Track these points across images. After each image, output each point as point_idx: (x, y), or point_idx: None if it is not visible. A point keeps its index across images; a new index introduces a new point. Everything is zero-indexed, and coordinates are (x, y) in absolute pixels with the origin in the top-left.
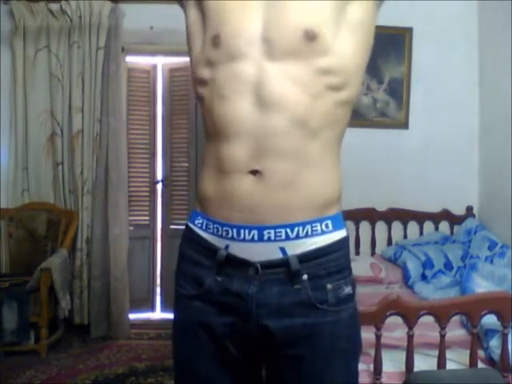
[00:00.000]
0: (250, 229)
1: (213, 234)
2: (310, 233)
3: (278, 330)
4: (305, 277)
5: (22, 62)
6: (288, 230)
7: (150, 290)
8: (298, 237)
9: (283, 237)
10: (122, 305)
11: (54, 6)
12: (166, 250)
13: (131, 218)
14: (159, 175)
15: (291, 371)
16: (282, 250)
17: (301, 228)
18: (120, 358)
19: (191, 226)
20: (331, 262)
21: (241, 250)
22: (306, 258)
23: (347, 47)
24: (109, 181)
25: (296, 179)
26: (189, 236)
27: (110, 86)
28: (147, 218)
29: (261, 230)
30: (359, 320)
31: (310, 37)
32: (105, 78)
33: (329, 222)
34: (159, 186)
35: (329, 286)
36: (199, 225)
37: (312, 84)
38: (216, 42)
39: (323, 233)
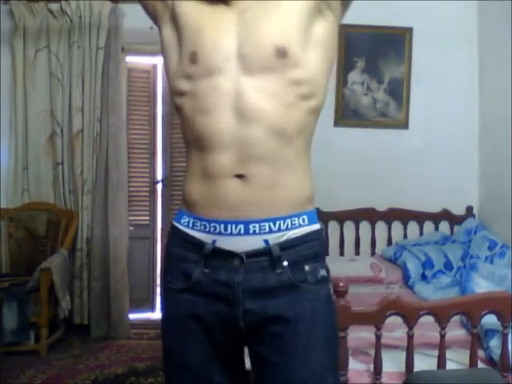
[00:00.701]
0: (237, 224)
1: (200, 230)
2: (289, 226)
3: (264, 309)
4: (285, 263)
5: (22, 62)
6: (271, 224)
7: (149, 290)
8: (279, 230)
9: (267, 230)
10: (122, 305)
11: (54, 6)
12: None
13: (131, 218)
14: (159, 175)
15: (277, 349)
16: (266, 241)
17: (282, 222)
18: (120, 358)
19: (177, 225)
20: (308, 250)
21: (227, 244)
22: (286, 245)
23: (314, 61)
24: (109, 181)
25: (276, 181)
26: (175, 234)
27: (110, 85)
28: (147, 218)
29: (247, 224)
30: (333, 304)
31: (281, 53)
32: (105, 77)
33: (305, 216)
34: (159, 186)
35: (307, 268)
36: (185, 223)
37: (285, 94)
38: (194, 58)
39: (300, 226)
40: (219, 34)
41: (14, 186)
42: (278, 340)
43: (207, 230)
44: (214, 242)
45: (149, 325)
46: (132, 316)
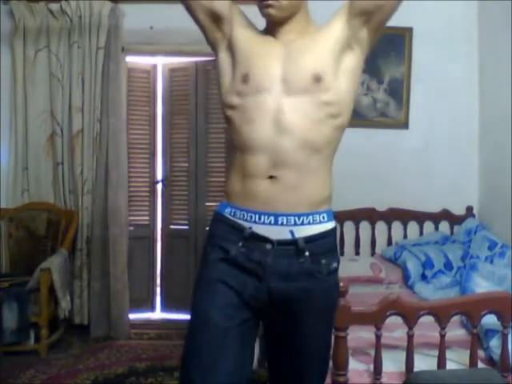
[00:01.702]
0: (269, 215)
1: (240, 218)
2: (311, 221)
3: (285, 290)
4: (307, 253)
5: (22, 62)
6: (296, 218)
7: (149, 290)
8: (302, 223)
9: (292, 223)
10: (122, 305)
11: (54, 6)
12: (165, 250)
13: (131, 218)
14: (159, 175)
15: (291, 322)
16: (291, 232)
17: (305, 217)
18: (120, 357)
19: (222, 213)
20: (325, 245)
21: (261, 230)
22: (309, 239)
23: (343, 85)
24: (109, 181)
25: (301, 183)
26: (220, 220)
27: (110, 85)
28: (147, 218)
29: (276, 216)
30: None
31: (317, 79)
32: (105, 77)
33: (324, 214)
34: (159, 186)
35: (323, 261)
36: (228, 212)
37: (317, 113)
38: (245, 79)
39: (320, 222)
40: (268, 61)
41: (13, 186)
42: (294, 315)
43: (245, 218)
44: (250, 227)
45: (149, 325)
46: (132, 316)
